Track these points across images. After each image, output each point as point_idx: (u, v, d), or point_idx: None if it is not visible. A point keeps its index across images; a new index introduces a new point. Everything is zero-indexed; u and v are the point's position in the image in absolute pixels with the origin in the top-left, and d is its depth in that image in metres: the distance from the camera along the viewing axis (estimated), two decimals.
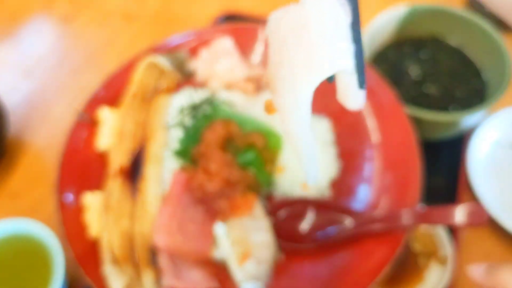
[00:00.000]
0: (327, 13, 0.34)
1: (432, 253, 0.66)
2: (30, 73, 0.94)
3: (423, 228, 0.67)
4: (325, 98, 0.75)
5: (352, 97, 0.39)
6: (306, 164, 0.38)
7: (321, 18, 0.34)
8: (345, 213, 0.63)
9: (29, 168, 0.81)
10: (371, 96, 0.73)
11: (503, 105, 0.77)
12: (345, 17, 0.34)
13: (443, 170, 0.77)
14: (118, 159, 0.67)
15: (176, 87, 0.76)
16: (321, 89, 0.83)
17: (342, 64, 0.34)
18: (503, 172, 0.75)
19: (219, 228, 0.62)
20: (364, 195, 0.67)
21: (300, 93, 0.35)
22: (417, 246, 0.67)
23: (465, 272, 0.52)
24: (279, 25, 0.36)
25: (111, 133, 0.70)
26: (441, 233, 0.66)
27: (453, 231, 0.68)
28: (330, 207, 0.65)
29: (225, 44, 0.79)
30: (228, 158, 0.64)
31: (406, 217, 0.59)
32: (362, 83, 0.37)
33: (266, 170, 0.66)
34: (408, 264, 0.66)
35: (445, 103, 0.77)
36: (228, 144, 0.66)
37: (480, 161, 0.75)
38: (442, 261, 0.65)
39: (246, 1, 1.03)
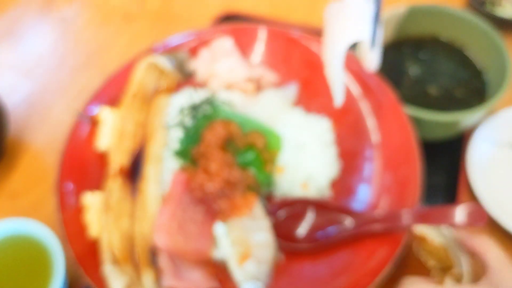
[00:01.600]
0: (361, 5, 0.59)
1: (447, 269, 0.62)
2: (30, 73, 0.94)
3: (437, 241, 0.63)
4: (325, 98, 0.76)
5: (369, 58, 0.62)
6: (335, 90, 0.63)
7: (356, 8, 0.59)
8: (345, 213, 0.63)
9: (29, 168, 0.81)
10: (371, 96, 0.73)
11: (503, 105, 0.78)
12: (370, 8, 0.59)
13: (443, 170, 0.77)
14: (118, 159, 0.67)
15: (176, 87, 0.76)
16: (321, 89, 0.82)
17: (363, 36, 0.59)
18: (503, 172, 0.75)
19: (219, 228, 0.62)
20: (364, 195, 0.67)
21: (336, 48, 0.59)
22: (431, 261, 0.63)
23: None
24: (333, 14, 0.61)
25: (111, 133, 0.70)
26: (456, 249, 0.62)
27: None
28: (330, 207, 0.65)
29: (225, 44, 0.79)
30: (228, 158, 0.64)
31: (406, 217, 0.59)
32: (373, 44, 0.60)
33: (266, 170, 0.66)
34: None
35: (445, 103, 0.77)
36: (228, 144, 0.66)
37: (480, 161, 0.74)
38: (457, 279, 0.60)
39: (246, 1, 1.03)
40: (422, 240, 0.63)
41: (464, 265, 0.60)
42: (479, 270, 0.56)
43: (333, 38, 0.60)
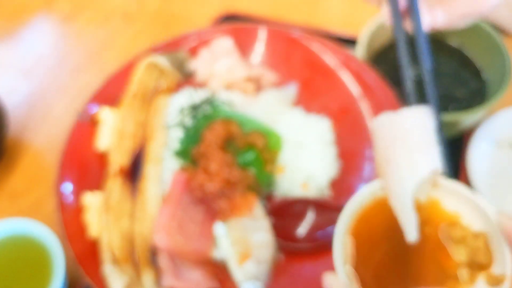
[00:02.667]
0: (420, 121, 0.48)
1: (482, 267, 0.46)
2: (30, 73, 0.94)
3: (476, 226, 0.46)
4: (325, 98, 0.76)
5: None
6: (406, 225, 0.47)
7: (417, 127, 0.48)
8: None
9: (29, 168, 0.81)
10: (371, 96, 0.73)
11: (503, 105, 0.77)
12: (431, 123, 0.48)
13: (443, 170, 0.77)
14: (118, 159, 0.67)
15: (176, 87, 0.76)
16: (321, 89, 0.82)
17: (434, 166, 0.47)
18: (503, 172, 0.75)
19: (219, 228, 0.62)
20: None
21: (406, 185, 0.47)
22: (460, 254, 0.46)
23: None
24: (384, 128, 0.50)
25: (111, 133, 0.70)
26: (501, 240, 0.45)
27: None
28: (330, 207, 0.65)
29: (225, 44, 0.79)
30: (228, 158, 0.64)
31: None
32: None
33: (266, 170, 0.66)
34: (446, 279, 0.46)
35: (445, 103, 0.77)
36: (228, 144, 0.66)
37: (480, 161, 0.74)
38: (495, 282, 0.44)
39: (246, 1, 1.03)
40: (453, 222, 0.47)
41: (509, 266, 0.44)
42: None
43: (400, 171, 0.47)
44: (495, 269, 0.44)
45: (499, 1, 0.56)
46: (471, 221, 0.47)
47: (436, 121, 0.50)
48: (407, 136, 0.48)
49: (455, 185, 0.49)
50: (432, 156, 0.47)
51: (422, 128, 0.48)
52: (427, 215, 0.48)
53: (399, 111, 0.49)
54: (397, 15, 0.60)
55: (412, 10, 0.60)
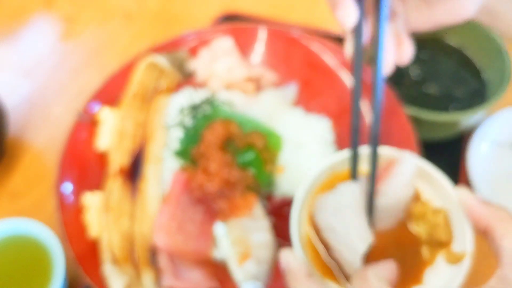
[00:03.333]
0: (354, 199, 0.47)
1: (442, 244, 0.44)
2: (30, 73, 0.94)
3: (436, 202, 0.45)
4: (325, 98, 0.76)
5: None
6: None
7: (351, 204, 0.47)
8: None
9: (29, 168, 0.81)
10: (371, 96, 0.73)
11: (503, 105, 0.77)
12: (363, 199, 0.48)
13: (443, 170, 0.77)
14: (118, 159, 0.67)
15: (176, 87, 0.76)
16: (321, 89, 0.82)
17: (366, 243, 0.45)
18: (503, 172, 0.75)
19: (219, 228, 0.62)
20: None
21: (353, 256, 0.45)
22: (420, 229, 0.45)
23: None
24: (325, 206, 0.48)
25: (111, 133, 0.70)
26: (462, 218, 0.43)
27: None
28: None
29: (225, 44, 0.79)
30: (228, 158, 0.64)
31: None
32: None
33: (266, 170, 0.66)
34: (406, 256, 0.46)
35: (445, 103, 0.77)
36: (228, 144, 0.66)
37: (480, 161, 0.74)
38: (455, 259, 0.43)
39: (246, 1, 1.03)
40: (414, 198, 0.47)
41: (469, 243, 0.42)
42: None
43: (343, 240, 0.46)
44: (455, 247, 0.43)
45: (477, 10, 0.54)
46: (431, 197, 0.46)
47: (369, 191, 0.48)
48: (344, 211, 0.47)
49: (415, 161, 0.48)
50: (363, 232, 0.46)
51: (355, 204, 0.48)
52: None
53: (337, 188, 0.49)
54: (359, 52, 0.51)
55: (377, 45, 0.50)
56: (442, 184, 0.46)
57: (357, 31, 0.49)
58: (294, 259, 0.44)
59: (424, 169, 0.48)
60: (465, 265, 0.42)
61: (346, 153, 0.52)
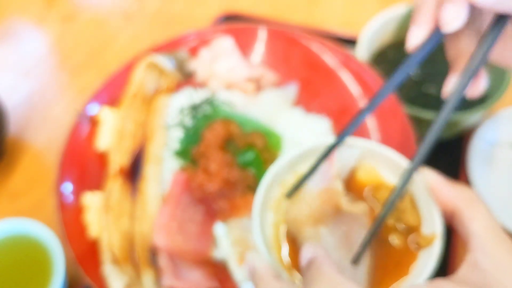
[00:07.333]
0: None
1: (411, 229, 0.43)
2: (30, 73, 0.94)
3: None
4: (325, 98, 0.76)
5: None
6: None
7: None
8: None
9: (29, 168, 0.81)
10: (371, 96, 0.73)
11: (503, 105, 0.77)
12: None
13: (443, 170, 0.77)
14: (118, 159, 0.67)
15: (176, 87, 0.76)
16: (321, 89, 0.82)
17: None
18: (503, 172, 0.75)
19: (219, 228, 0.62)
20: None
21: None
22: (388, 217, 0.43)
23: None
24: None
25: (111, 133, 0.70)
26: (429, 200, 0.42)
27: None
28: None
29: (225, 44, 0.79)
30: (228, 158, 0.64)
31: None
32: None
33: (266, 170, 0.66)
34: (381, 247, 0.43)
35: (445, 103, 0.76)
36: (228, 144, 0.66)
37: (480, 161, 0.75)
38: (426, 242, 0.42)
39: (246, 1, 1.03)
40: (377, 185, 0.45)
41: (438, 225, 0.41)
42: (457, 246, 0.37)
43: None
44: (425, 230, 0.42)
45: None
46: (394, 182, 0.44)
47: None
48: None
49: (372, 145, 0.46)
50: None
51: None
52: (351, 183, 0.46)
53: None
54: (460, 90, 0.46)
55: (470, 68, 0.46)
56: (403, 166, 0.44)
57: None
58: (259, 261, 0.42)
59: (380, 152, 0.45)
60: (436, 247, 0.41)
61: (305, 147, 0.48)
